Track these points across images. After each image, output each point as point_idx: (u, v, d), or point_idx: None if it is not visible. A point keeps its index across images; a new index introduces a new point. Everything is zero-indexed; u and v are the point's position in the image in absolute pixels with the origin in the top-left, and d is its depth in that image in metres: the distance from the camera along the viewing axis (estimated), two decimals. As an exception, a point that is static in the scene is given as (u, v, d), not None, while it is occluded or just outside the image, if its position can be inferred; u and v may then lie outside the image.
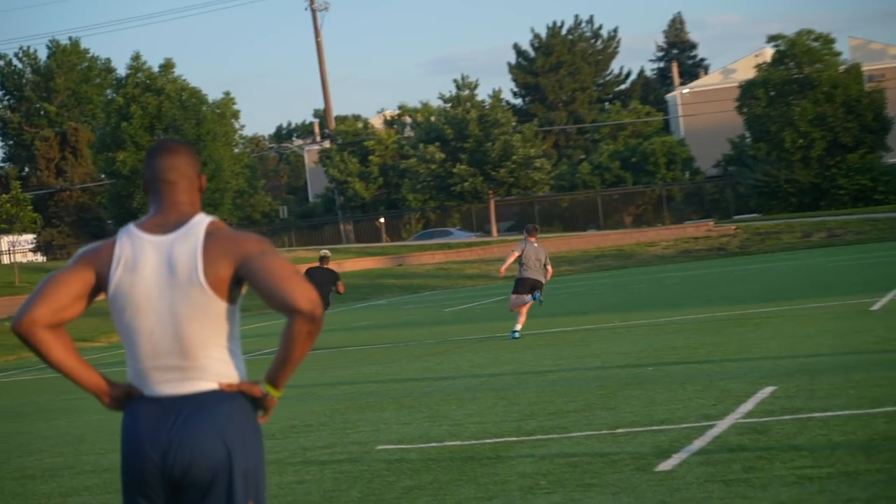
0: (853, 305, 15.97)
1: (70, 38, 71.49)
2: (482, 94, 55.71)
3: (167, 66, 49.95)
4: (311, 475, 7.24)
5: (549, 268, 15.88)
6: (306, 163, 67.01)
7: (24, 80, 73.37)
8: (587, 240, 47.02)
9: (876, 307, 15.10)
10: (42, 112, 71.94)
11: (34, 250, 62.01)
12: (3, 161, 75.67)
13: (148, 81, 49.24)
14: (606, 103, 65.27)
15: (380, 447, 7.99)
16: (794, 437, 6.80)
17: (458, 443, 7.80)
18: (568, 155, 62.41)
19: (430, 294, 36.59)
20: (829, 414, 7.41)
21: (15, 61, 73.02)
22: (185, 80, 49.72)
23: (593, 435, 7.53)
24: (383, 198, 59.32)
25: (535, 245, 15.75)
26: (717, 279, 28.48)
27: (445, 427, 8.62)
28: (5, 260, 55.93)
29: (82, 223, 62.95)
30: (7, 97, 74.47)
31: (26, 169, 70.40)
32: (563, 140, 65.67)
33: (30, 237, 60.67)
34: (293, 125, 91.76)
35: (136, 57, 50.25)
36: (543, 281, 15.49)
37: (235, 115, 52.15)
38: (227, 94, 51.50)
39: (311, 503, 6.39)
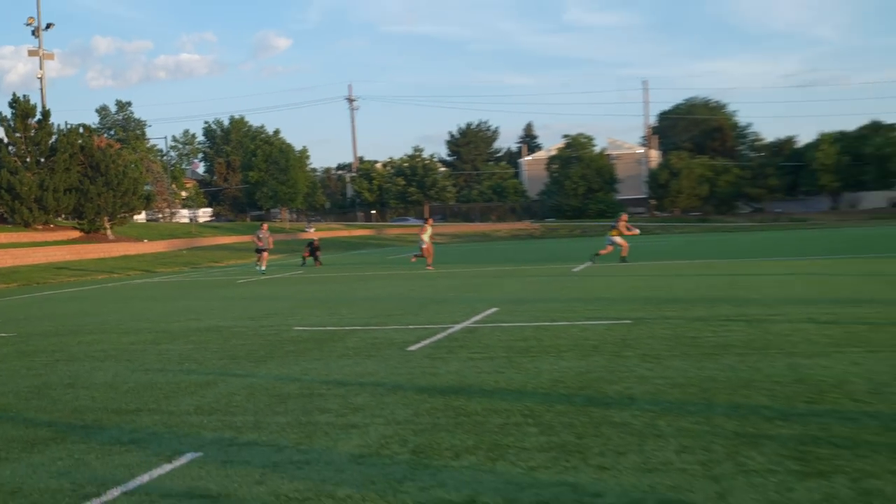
0: (563, 269, 26.75)
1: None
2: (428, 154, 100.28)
3: (275, 133, 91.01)
4: (215, 339, 13.15)
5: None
6: (347, 181, 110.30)
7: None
8: (465, 227, 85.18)
9: (575, 270, 25.95)
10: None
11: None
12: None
13: (263, 137, 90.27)
14: (490, 162, 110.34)
15: (296, 328, 14.04)
16: (481, 336, 11.97)
17: (331, 328, 13.81)
18: (471, 185, 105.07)
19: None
20: (507, 324, 13.14)
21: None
22: (283, 139, 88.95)
23: (395, 328, 13.35)
24: (382, 200, 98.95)
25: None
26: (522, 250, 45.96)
27: (335, 318, 15.29)
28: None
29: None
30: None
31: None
32: (473, 178, 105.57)
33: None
34: (347, 162, 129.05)
35: (240, 121, 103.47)
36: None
37: (306, 156, 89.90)
38: (304, 148, 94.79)
39: (214, 359, 11.26)
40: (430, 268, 29.94)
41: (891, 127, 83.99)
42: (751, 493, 5.05)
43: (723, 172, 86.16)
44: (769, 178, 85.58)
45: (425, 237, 30.82)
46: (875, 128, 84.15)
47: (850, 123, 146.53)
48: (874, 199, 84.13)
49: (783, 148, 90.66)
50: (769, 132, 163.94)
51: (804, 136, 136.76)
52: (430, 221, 32.73)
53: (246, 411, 7.84)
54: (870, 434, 6.12)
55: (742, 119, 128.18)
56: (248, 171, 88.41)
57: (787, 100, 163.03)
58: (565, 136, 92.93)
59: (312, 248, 37.73)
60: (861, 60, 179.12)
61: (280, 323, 14.78)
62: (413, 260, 32.26)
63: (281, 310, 17.21)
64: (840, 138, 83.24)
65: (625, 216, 30.01)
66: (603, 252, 28.91)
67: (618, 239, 28.68)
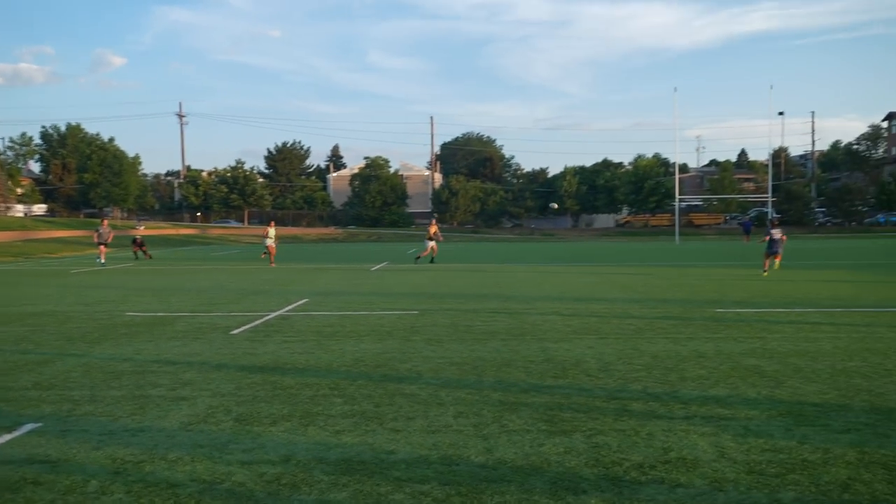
0: (362, 268, 26.61)
1: None
2: (248, 166, 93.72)
3: (110, 140, 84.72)
4: (51, 322, 12.27)
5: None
6: (175, 186, 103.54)
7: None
8: (280, 230, 69.08)
9: (373, 269, 25.80)
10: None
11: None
12: None
13: (98, 144, 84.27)
14: (302, 176, 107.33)
15: (129, 313, 13.29)
16: (294, 323, 11.97)
17: (161, 314, 13.11)
18: (286, 195, 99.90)
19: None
20: (316, 313, 13.11)
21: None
22: (117, 146, 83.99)
23: (219, 315, 12.91)
24: (207, 204, 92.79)
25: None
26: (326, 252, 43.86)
27: (165, 305, 14.53)
28: None
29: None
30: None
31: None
32: (288, 189, 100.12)
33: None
34: (176, 169, 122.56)
35: (77, 128, 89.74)
36: None
37: (139, 162, 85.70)
38: (137, 155, 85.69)
39: (50, 340, 10.68)
40: (272, 264, 28.65)
41: (618, 165, 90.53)
42: (511, 448, 5.33)
43: (491, 194, 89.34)
44: (527, 200, 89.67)
45: (269, 239, 29.43)
46: (606, 164, 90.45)
47: (588, 160, 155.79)
48: (605, 220, 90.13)
49: (538, 177, 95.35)
50: (527, 164, 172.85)
51: (554, 168, 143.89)
52: (273, 224, 31.24)
53: (83, 386, 7.37)
54: (600, 401, 6.61)
55: (507, 152, 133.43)
56: (83, 173, 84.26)
57: (541, 139, 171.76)
58: (366, 157, 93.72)
59: (137, 243, 36.02)
60: (597, 111, 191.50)
61: (113, 309, 13.96)
62: (272, 264, 28.55)
63: (114, 297, 16.24)
64: (580, 171, 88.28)
65: (434, 221, 30.33)
66: (424, 254, 29.19)
67: (431, 243, 28.82)
